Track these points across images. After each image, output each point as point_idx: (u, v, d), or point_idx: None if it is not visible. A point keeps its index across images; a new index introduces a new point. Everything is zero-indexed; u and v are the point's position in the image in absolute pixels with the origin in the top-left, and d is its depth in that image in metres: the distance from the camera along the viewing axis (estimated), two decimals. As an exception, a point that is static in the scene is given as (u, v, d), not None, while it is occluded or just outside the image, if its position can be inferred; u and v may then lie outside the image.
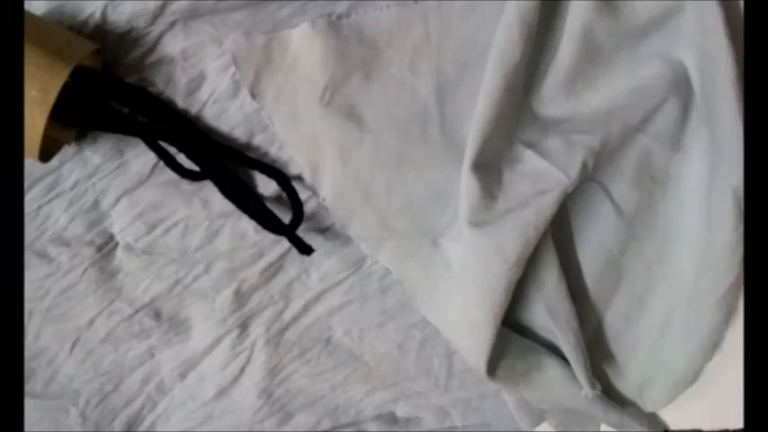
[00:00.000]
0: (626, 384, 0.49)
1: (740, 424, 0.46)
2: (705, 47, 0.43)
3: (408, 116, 0.47)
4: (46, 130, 0.42)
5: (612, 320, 0.48)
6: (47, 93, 0.42)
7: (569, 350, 0.46)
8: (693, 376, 0.47)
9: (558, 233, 0.47)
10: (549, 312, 0.46)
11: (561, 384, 0.47)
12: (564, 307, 0.46)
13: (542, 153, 0.45)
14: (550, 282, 0.46)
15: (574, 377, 0.47)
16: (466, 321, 0.46)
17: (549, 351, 0.48)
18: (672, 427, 0.49)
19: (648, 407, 0.48)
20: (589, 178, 0.46)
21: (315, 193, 0.49)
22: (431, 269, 0.48)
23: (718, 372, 0.47)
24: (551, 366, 0.47)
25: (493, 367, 0.46)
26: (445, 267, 0.48)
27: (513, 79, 0.44)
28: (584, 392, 0.47)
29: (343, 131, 0.47)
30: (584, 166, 0.44)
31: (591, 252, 0.48)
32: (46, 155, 0.47)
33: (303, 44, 0.47)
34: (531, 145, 0.46)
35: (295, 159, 0.48)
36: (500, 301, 0.44)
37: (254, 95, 0.48)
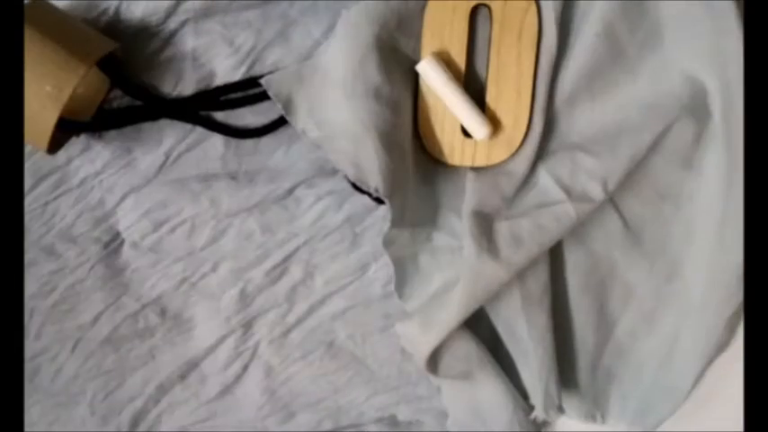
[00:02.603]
0: (629, 406, 0.49)
1: (740, 427, 0.46)
2: (726, 73, 0.43)
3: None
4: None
5: (620, 336, 0.48)
6: (61, 89, 0.42)
7: (536, 364, 0.46)
8: (692, 390, 0.47)
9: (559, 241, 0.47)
10: (527, 321, 0.46)
11: (488, 397, 0.47)
12: (542, 320, 0.46)
13: (551, 170, 0.45)
14: (536, 292, 0.46)
15: (505, 396, 0.47)
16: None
17: (496, 364, 0.48)
18: (672, 429, 0.49)
19: (650, 424, 0.48)
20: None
21: (363, 189, 0.46)
22: (418, 253, 0.48)
23: (718, 374, 0.47)
24: (490, 377, 0.47)
25: (434, 362, 0.46)
26: (431, 254, 0.48)
27: None
28: (534, 414, 0.47)
29: (377, 116, 0.44)
30: (589, 189, 0.45)
31: (594, 261, 0.48)
32: (54, 147, 0.47)
33: (332, 57, 0.45)
34: (543, 160, 0.46)
35: (334, 161, 0.46)
36: (477, 297, 0.45)
37: (287, 114, 0.46)
